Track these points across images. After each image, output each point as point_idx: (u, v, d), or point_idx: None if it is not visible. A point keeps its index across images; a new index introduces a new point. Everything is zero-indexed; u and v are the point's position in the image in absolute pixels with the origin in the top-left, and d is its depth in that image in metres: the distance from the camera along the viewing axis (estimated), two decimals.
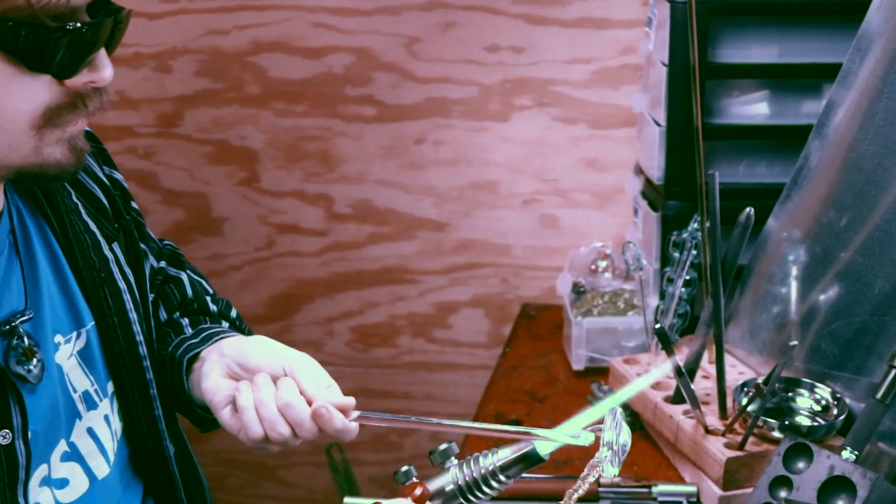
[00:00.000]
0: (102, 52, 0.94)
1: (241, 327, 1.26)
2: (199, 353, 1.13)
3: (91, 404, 1.06)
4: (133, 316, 1.10)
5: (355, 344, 2.17)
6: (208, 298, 1.27)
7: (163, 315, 1.24)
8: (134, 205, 1.21)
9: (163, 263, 1.27)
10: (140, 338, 1.10)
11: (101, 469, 1.07)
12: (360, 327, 2.16)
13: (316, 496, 2.32)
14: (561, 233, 2.01)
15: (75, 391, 1.04)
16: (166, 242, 1.31)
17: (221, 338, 1.14)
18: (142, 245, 1.20)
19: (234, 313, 1.28)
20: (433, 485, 0.88)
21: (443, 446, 0.89)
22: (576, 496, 0.91)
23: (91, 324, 1.07)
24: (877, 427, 1.17)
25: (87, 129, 1.14)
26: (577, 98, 1.93)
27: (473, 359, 2.14)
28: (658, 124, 1.61)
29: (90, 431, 1.06)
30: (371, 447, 2.25)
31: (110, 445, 1.08)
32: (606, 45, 1.89)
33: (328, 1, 1.94)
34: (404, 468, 0.89)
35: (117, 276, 1.10)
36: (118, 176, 1.19)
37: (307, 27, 1.96)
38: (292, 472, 2.32)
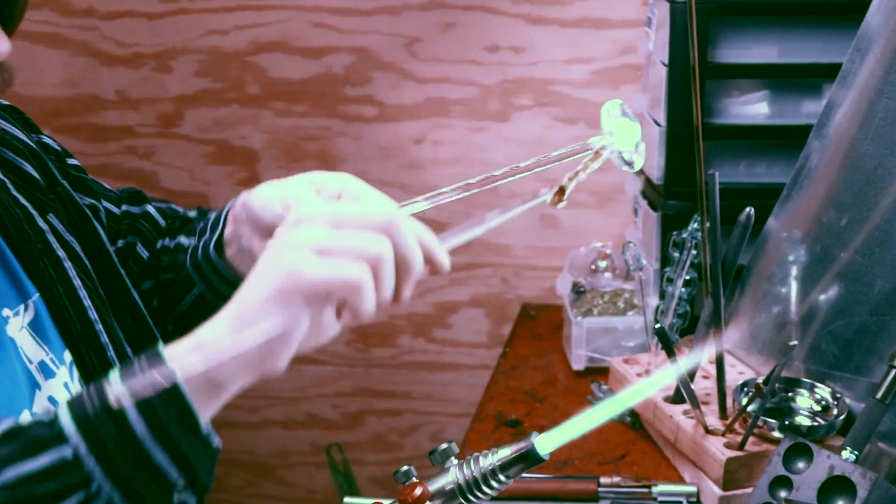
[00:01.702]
0: None
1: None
2: (220, 235, 1.11)
3: (48, 373, 1.05)
4: (77, 282, 1.08)
5: (355, 344, 2.17)
6: (180, 210, 1.26)
7: (143, 252, 1.22)
8: (73, 161, 1.20)
9: (124, 207, 1.26)
10: (88, 303, 1.09)
11: None
12: (360, 327, 2.16)
13: (316, 496, 2.32)
14: (561, 233, 2.01)
15: (31, 362, 1.04)
16: (125, 188, 1.30)
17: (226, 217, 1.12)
18: (88, 201, 1.19)
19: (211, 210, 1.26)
20: (433, 485, 0.88)
21: (443, 446, 0.89)
22: (575, 180, 0.93)
23: (36, 295, 1.06)
24: (877, 427, 1.17)
25: (6, 102, 1.12)
26: (577, 98, 1.93)
27: (473, 359, 2.14)
28: (658, 124, 1.61)
29: (51, 400, 1.05)
30: (371, 447, 2.26)
31: None
32: (606, 45, 1.89)
33: (328, 1, 1.95)
34: (404, 468, 0.89)
35: (55, 245, 1.08)
36: (48, 140, 1.18)
37: (307, 27, 1.96)
38: (292, 472, 2.32)
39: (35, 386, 1.04)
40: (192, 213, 1.26)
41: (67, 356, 1.09)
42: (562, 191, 0.96)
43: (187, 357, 0.79)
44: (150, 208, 1.27)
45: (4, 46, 0.92)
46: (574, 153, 0.97)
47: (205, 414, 0.79)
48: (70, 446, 0.74)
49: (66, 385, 1.07)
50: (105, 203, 1.23)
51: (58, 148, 1.19)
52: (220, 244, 1.12)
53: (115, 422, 0.74)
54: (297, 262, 0.79)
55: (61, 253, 1.09)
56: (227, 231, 1.12)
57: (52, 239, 1.09)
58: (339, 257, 0.79)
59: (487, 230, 0.96)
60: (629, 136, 0.99)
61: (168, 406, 0.75)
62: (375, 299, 0.82)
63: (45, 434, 0.75)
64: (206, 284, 1.15)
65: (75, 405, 0.77)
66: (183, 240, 1.21)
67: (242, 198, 1.10)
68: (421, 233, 0.87)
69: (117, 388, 0.76)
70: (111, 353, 1.11)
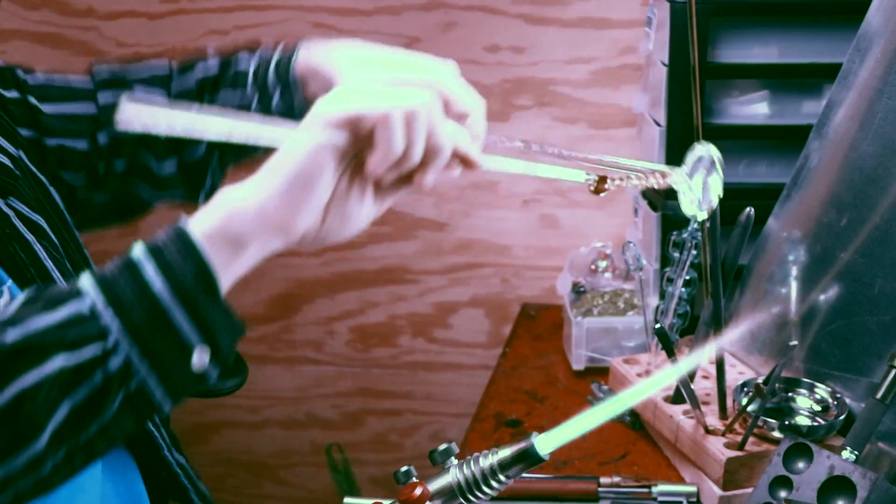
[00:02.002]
0: None
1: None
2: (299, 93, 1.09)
3: None
4: (49, 264, 1.07)
5: (355, 344, 2.17)
6: (187, 78, 1.18)
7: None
8: (27, 80, 1.15)
9: (102, 98, 1.19)
10: (62, 283, 1.08)
11: None
12: (360, 327, 2.16)
13: (316, 496, 2.32)
14: (561, 233, 2.01)
15: None
16: (102, 73, 1.22)
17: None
18: (52, 143, 1.15)
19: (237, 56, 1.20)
20: (433, 485, 0.88)
21: (443, 446, 0.89)
22: (623, 182, 0.94)
23: (10, 281, 1.05)
24: (877, 427, 1.17)
25: None
26: (577, 98, 1.93)
27: (473, 359, 2.14)
28: (658, 124, 1.61)
29: None
30: (371, 447, 2.26)
31: None
32: (606, 45, 1.89)
33: (328, 1, 1.95)
34: (404, 468, 0.89)
35: (22, 228, 1.06)
36: (8, 94, 1.14)
37: (307, 27, 1.96)
38: (292, 472, 2.32)
39: None
40: (213, 70, 1.19)
41: None
42: (603, 180, 0.96)
43: (204, 214, 0.78)
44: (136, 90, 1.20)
45: None
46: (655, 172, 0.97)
47: (225, 275, 0.77)
48: (87, 300, 0.72)
49: None
50: (82, 105, 1.17)
51: (11, 96, 1.15)
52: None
53: (132, 277, 0.73)
54: (332, 98, 0.80)
55: (30, 236, 1.08)
56: (313, 88, 1.10)
57: (17, 223, 1.07)
58: (374, 97, 0.80)
59: (519, 170, 0.95)
60: (705, 187, 0.99)
61: (185, 261, 0.74)
62: (399, 152, 0.81)
63: (64, 292, 0.74)
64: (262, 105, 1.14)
65: (96, 270, 0.76)
66: (230, 96, 1.16)
67: (329, 61, 1.08)
68: (459, 130, 0.87)
69: (135, 249, 0.75)
70: None
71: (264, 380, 2.21)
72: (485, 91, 1.94)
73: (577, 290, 1.74)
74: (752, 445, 1.27)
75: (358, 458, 2.26)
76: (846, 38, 1.39)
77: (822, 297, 1.37)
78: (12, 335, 0.70)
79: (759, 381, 1.25)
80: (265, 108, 1.14)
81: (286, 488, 2.33)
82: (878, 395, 1.16)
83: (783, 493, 1.14)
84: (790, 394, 1.36)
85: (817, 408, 1.34)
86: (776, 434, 1.26)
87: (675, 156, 1.59)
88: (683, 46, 1.47)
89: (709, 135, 1.50)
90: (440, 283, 2.10)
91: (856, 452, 1.14)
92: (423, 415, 2.21)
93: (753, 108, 1.62)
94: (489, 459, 0.87)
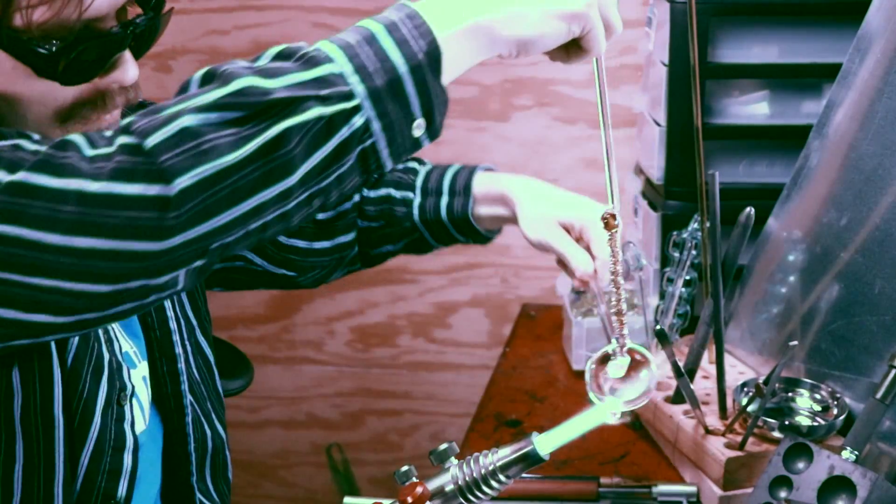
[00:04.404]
0: (125, 54, 0.94)
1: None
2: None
3: (131, 364, 1.08)
4: (173, 325, 1.11)
5: (355, 344, 2.17)
6: None
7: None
8: None
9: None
10: (180, 345, 1.12)
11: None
12: (360, 327, 2.16)
13: (316, 496, 2.32)
14: None
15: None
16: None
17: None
18: None
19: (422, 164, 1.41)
20: (433, 485, 0.88)
21: (443, 446, 0.89)
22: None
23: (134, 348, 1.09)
24: (877, 427, 1.17)
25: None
26: (577, 98, 1.93)
27: (473, 359, 2.14)
28: (658, 124, 1.61)
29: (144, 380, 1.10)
30: (371, 447, 2.26)
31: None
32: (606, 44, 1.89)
33: (328, 1, 1.95)
34: (404, 468, 0.89)
35: None
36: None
37: (307, 27, 1.96)
38: (292, 472, 2.32)
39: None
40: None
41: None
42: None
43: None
44: None
45: (132, 73, 0.96)
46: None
47: (452, 57, 0.84)
48: (337, 65, 0.80)
49: (143, 378, 1.10)
50: None
51: None
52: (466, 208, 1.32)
53: (373, 49, 0.81)
54: None
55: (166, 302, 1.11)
56: (483, 212, 1.34)
57: None
58: None
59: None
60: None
61: (418, 39, 0.82)
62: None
63: (316, 55, 0.81)
64: (435, 237, 1.32)
65: (335, 39, 0.82)
66: (394, 192, 1.33)
67: (515, 193, 1.32)
68: None
69: (370, 24, 0.82)
70: (181, 364, 1.13)
71: (264, 380, 2.21)
72: (485, 91, 1.95)
73: (577, 291, 1.73)
74: (752, 445, 1.27)
75: (358, 458, 2.26)
76: (846, 38, 1.39)
77: (822, 297, 1.37)
78: (278, 84, 0.78)
79: (759, 381, 1.25)
80: (422, 211, 1.31)
81: (286, 488, 2.33)
82: (878, 395, 1.16)
83: (783, 493, 1.14)
84: (790, 394, 1.36)
85: (817, 408, 1.34)
86: (776, 434, 1.26)
87: (674, 156, 1.60)
88: (683, 46, 1.47)
89: (709, 135, 1.51)
90: (440, 283, 2.10)
91: (856, 452, 1.14)
92: (423, 415, 2.21)
93: (753, 108, 1.62)
94: (489, 459, 0.87)
